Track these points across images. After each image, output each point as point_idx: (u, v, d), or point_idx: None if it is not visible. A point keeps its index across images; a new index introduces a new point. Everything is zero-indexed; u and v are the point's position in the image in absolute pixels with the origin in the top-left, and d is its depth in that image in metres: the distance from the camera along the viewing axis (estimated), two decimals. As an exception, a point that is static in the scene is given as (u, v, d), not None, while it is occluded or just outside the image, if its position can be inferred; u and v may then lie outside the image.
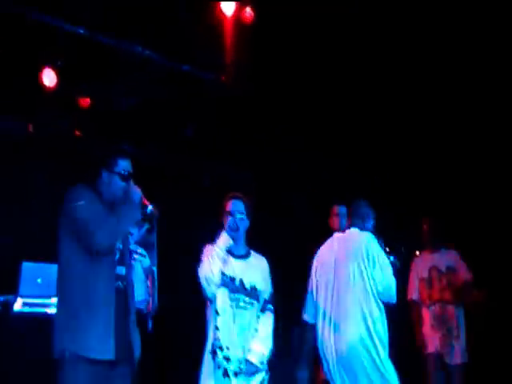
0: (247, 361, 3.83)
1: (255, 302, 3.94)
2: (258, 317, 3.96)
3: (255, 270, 4.00)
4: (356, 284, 4.24)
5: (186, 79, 5.82)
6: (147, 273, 5.87)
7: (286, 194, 6.89)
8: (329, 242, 4.54)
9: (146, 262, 5.89)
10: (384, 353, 4.16)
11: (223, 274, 3.83)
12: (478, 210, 7.01)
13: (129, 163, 3.52)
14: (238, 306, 3.87)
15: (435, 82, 6.11)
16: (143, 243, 5.92)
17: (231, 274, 3.88)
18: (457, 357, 5.62)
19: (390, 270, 4.23)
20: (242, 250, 4.02)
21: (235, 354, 3.81)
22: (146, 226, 5.82)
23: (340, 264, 4.36)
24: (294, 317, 4.95)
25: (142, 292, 5.70)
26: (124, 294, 3.44)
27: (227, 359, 3.80)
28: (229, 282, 3.87)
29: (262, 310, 3.98)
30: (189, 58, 5.62)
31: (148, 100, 5.77)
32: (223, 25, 5.27)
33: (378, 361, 4.13)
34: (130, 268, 3.58)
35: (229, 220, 3.95)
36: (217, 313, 3.83)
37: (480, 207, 6.99)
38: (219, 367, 3.80)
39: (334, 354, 4.24)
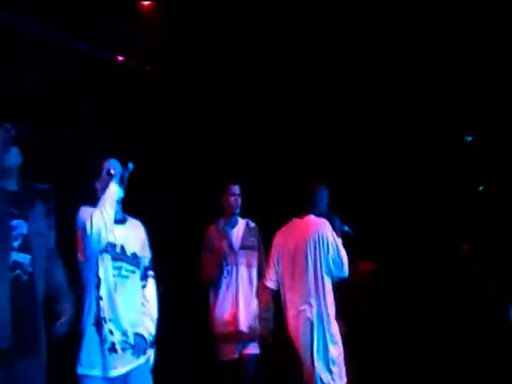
0: (137, 335, 3.64)
1: (136, 269, 3.74)
2: (144, 286, 3.79)
3: (134, 236, 3.81)
4: (312, 266, 4.67)
5: (85, 58, 5.75)
6: None
7: (184, 172, 6.93)
8: (288, 227, 4.93)
9: None
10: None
11: None
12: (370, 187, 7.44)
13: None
14: (120, 275, 3.64)
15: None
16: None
17: (111, 240, 3.65)
18: None
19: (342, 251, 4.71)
20: (118, 215, 3.75)
21: (121, 327, 3.58)
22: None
23: (299, 249, 4.75)
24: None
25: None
26: (27, 284, 3.37)
27: (112, 332, 3.56)
28: (110, 248, 3.64)
29: (143, 278, 3.79)
30: (88, 36, 5.56)
31: (46, 79, 5.65)
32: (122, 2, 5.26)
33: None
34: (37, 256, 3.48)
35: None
36: (99, 281, 3.59)
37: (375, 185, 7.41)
38: (105, 341, 3.55)
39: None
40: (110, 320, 3.56)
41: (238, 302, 4.80)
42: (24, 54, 5.40)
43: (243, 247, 4.91)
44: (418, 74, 6.55)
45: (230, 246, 4.88)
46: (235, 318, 4.77)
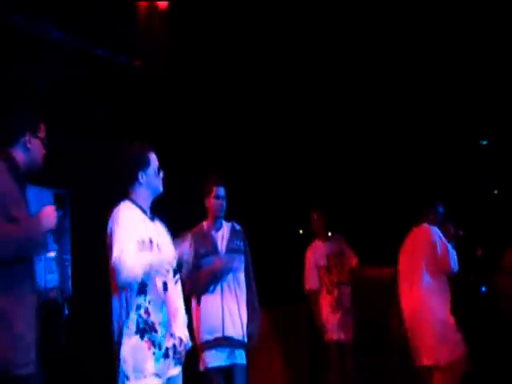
0: (180, 339, 3.46)
1: (170, 268, 3.55)
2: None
3: (164, 234, 3.63)
4: None
5: (100, 63, 5.76)
6: (57, 261, 5.81)
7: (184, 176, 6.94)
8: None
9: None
10: None
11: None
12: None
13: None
14: (161, 274, 3.41)
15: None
16: (56, 230, 5.83)
17: (151, 236, 3.47)
18: (350, 332, 6.12)
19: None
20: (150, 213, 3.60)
21: (170, 330, 3.42)
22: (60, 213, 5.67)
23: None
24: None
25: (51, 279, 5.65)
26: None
27: (166, 336, 3.37)
28: (150, 245, 3.43)
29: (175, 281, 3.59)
30: (103, 41, 5.58)
31: (61, 83, 5.67)
32: (138, 8, 5.27)
33: None
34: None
35: None
36: (144, 285, 3.35)
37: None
38: (160, 348, 3.34)
39: None
40: (161, 324, 3.38)
41: (224, 307, 4.52)
42: (40, 56, 5.42)
43: (229, 251, 4.65)
44: (433, 78, 6.52)
45: (217, 251, 4.59)
46: (222, 324, 4.50)
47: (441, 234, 5.39)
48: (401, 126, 7.37)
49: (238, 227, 4.76)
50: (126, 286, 3.32)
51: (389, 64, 6.31)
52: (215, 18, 5.57)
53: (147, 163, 3.53)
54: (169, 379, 3.43)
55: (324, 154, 7.66)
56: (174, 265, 3.61)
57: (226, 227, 4.72)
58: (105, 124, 6.34)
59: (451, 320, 5.23)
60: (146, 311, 3.34)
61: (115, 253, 3.25)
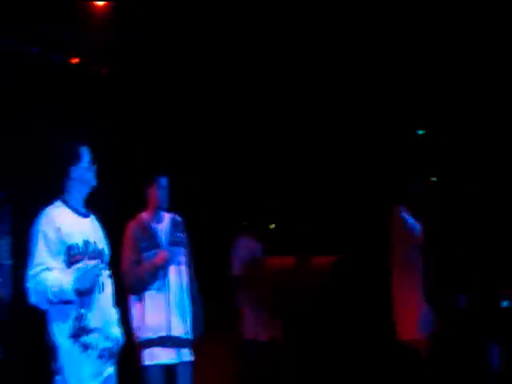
0: (117, 341, 3.50)
1: (103, 265, 3.51)
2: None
3: (98, 231, 3.60)
4: None
5: (34, 61, 5.65)
6: None
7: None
8: None
9: None
10: None
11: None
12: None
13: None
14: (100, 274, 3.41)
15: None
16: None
17: (86, 238, 3.45)
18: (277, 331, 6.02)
19: None
20: (82, 208, 3.57)
21: (107, 331, 3.43)
22: None
23: None
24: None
25: None
26: None
27: (103, 337, 3.38)
28: (85, 247, 3.43)
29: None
30: (37, 38, 5.47)
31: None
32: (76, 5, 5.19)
33: None
34: None
35: None
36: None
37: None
38: (94, 348, 3.35)
39: None
40: (95, 325, 3.37)
41: (170, 304, 4.33)
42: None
43: (171, 244, 4.45)
44: (370, 69, 6.63)
45: (159, 244, 4.42)
46: (168, 323, 4.32)
47: None
48: (339, 119, 7.47)
49: (178, 219, 4.58)
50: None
51: (325, 53, 6.36)
52: (159, 13, 5.52)
53: (78, 158, 3.50)
54: (104, 379, 3.44)
55: (268, 148, 7.69)
56: (107, 259, 3.61)
57: (166, 219, 4.53)
58: (42, 124, 6.22)
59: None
60: (81, 315, 3.34)
61: (31, 271, 3.26)
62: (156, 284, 4.33)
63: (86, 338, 3.33)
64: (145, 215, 4.50)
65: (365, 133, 7.70)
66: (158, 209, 4.48)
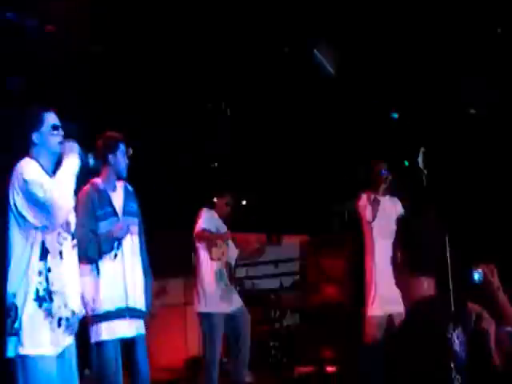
0: (73, 313, 3.48)
1: (68, 236, 3.54)
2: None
3: None
4: None
5: (8, 27, 5.54)
6: None
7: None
8: None
9: None
10: None
11: None
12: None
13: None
14: (59, 242, 3.44)
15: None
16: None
17: None
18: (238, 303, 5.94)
19: None
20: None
21: (65, 300, 3.42)
22: None
23: None
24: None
25: None
26: None
27: (59, 307, 3.37)
28: None
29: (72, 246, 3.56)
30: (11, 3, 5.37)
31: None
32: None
33: None
34: None
35: None
36: (45, 250, 3.35)
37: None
38: (53, 317, 3.35)
39: None
40: (58, 293, 3.36)
41: (126, 275, 4.19)
42: None
43: (126, 213, 4.30)
44: (345, 54, 6.64)
45: (116, 213, 4.28)
46: (125, 294, 4.18)
47: None
48: (314, 102, 7.48)
49: (130, 188, 4.44)
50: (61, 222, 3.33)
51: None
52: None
53: (40, 123, 3.44)
54: (63, 350, 3.43)
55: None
56: (72, 228, 3.58)
57: (119, 188, 4.37)
58: (17, 93, 6.12)
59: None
60: (46, 279, 3.32)
61: (47, 192, 3.24)
62: (114, 255, 4.19)
63: (48, 304, 3.32)
64: (100, 182, 4.32)
65: (339, 114, 7.72)
66: (116, 177, 4.34)
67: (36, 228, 3.33)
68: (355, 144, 8.02)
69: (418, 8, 6.01)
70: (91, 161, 3.57)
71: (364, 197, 5.83)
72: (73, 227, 3.60)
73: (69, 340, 3.47)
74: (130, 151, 4.34)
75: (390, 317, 5.44)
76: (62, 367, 3.41)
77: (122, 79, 6.55)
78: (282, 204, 8.40)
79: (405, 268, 2.60)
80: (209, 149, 7.74)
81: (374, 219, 5.69)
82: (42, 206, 3.27)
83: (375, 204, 5.68)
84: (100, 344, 4.14)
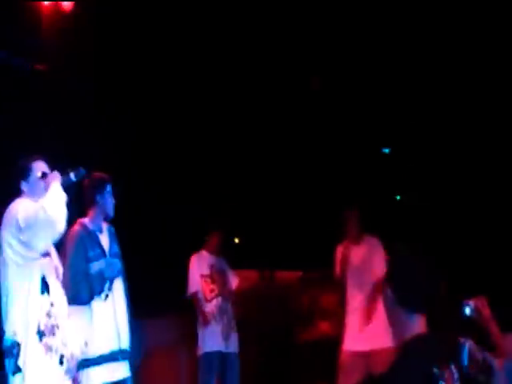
0: (72, 355, 3.46)
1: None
2: None
3: None
4: None
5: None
6: None
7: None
8: None
9: None
10: None
11: None
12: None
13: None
14: (58, 277, 3.52)
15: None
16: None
17: None
18: (234, 345, 5.92)
19: None
20: None
21: (66, 337, 3.42)
22: None
23: None
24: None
25: None
26: None
27: (63, 342, 3.36)
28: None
29: None
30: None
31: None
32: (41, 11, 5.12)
33: None
34: None
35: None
36: (46, 285, 3.38)
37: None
38: (56, 352, 3.34)
39: None
40: (60, 329, 3.35)
41: (117, 317, 4.15)
42: None
43: (112, 255, 4.26)
44: (336, 84, 6.69)
45: (104, 253, 4.24)
46: (118, 336, 4.13)
47: None
48: (304, 134, 7.51)
49: (113, 230, 4.38)
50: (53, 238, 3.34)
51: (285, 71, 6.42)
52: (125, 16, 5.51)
53: (28, 172, 3.54)
54: None
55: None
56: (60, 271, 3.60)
57: (104, 229, 4.33)
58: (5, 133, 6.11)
59: None
60: (48, 313, 3.31)
61: (34, 212, 3.30)
62: (102, 295, 4.15)
63: (48, 339, 3.29)
64: (88, 222, 4.27)
65: (331, 150, 7.75)
66: (106, 217, 4.31)
67: (35, 259, 3.35)
68: (347, 181, 8.04)
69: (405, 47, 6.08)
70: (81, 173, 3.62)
71: (338, 250, 5.87)
72: (60, 271, 3.60)
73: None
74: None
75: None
76: None
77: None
78: (274, 241, 8.35)
79: (395, 306, 2.57)
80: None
81: (341, 276, 5.78)
82: (41, 225, 3.27)
83: (343, 261, 5.76)
84: None
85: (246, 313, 7.01)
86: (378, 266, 5.47)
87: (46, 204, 3.31)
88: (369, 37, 5.92)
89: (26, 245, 3.29)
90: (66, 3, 5.20)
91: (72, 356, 3.44)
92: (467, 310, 2.77)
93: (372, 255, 5.75)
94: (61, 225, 3.33)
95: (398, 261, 2.68)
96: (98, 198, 4.23)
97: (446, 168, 7.51)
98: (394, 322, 2.62)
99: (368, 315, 5.48)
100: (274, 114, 7.18)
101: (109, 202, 4.26)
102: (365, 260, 5.72)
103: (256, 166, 7.89)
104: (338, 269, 5.79)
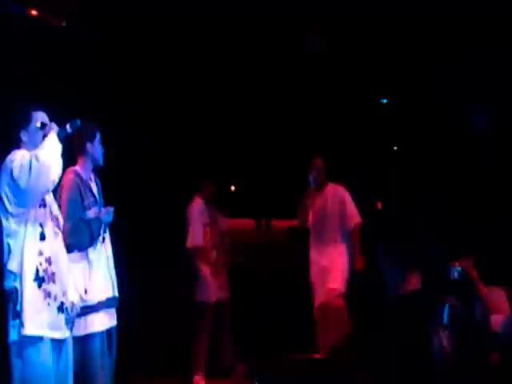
0: (73, 304, 3.49)
1: (60, 232, 3.55)
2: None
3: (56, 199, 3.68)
4: None
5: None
6: None
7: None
8: None
9: None
10: None
11: None
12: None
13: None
14: (55, 233, 3.47)
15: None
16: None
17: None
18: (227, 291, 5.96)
19: None
20: None
21: (64, 287, 3.43)
22: None
23: None
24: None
25: None
26: None
27: (59, 291, 3.37)
28: (44, 206, 3.47)
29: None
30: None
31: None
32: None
33: None
34: None
35: None
36: (43, 233, 3.38)
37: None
38: (55, 299, 3.35)
39: None
40: (58, 277, 3.37)
41: (109, 265, 4.19)
42: None
43: (104, 205, 4.29)
44: (334, 37, 6.61)
45: (97, 201, 4.26)
46: (112, 282, 4.18)
47: None
48: (304, 86, 7.46)
49: (98, 181, 4.40)
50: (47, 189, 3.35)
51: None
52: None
53: (28, 121, 3.49)
54: (60, 346, 3.42)
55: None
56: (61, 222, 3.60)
57: (93, 178, 4.33)
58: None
59: None
60: (46, 260, 3.33)
61: (27, 161, 3.26)
62: (99, 239, 4.15)
63: (47, 286, 3.31)
64: (81, 171, 4.25)
65: (330, 100, 7.71)
66: (93, 165, 4.29)
67: (30, 209, 3.35)
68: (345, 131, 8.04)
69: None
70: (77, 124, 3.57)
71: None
72: (61, 220, 3.60)
73: (66, 332, 3.45)
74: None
75: None
76: (57, 364, 3.41)
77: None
78: (270, 190, 8.38)
79: (392, 262, 2.61)
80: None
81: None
82: (36, 173, 3.25)
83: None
84: (88, 337, 4.01)
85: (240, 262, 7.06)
86: (340, 214, 5.85)
87: (39, 153, 3.29)
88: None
89: (19, 194, 3.28)
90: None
91: (72, 305, 3.49)
92: (455, 274, 2.82)
93: (332, 203, 5.92)
94: (54, 174, 3.32)
95: (396, 218, 2.70)
96: (89, 146, 4.21)
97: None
98: (389, 279, 2.67)
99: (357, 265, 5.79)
100: (272, 60, 7.10)
101: (98, 150, 4.24)
102: (324, 208, 5.92)
103: (253, 115, 7.85)
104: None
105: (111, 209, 4.22)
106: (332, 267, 5.79)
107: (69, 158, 4.06)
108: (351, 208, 5.90)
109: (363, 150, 8.15)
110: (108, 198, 4.43)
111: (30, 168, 3.24)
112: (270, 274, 7.59)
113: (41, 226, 3.37)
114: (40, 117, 3.52)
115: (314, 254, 5.96)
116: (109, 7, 5.84)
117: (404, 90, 7.52)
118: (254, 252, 8.61)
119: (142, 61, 6.61)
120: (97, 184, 4.34)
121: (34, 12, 5.73)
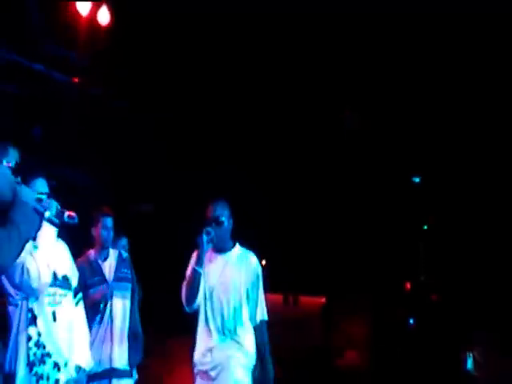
0: (78, 367, 3.52)
1: (68, 291, 3.60)
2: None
3: (63, 257, 3.67)
4: None
5: (38, 78, 5.71)
6: None
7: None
8: None
9: None
10: None
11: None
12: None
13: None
14: (54, 302, 3.51)
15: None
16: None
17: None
18: None
19: None
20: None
21: (63, 358, 3.46)
22: None
23: None
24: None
25: None
26: None
27: (56, 368, 3.42)
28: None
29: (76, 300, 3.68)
30: (41, 56, 5.53)
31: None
32: (78, 25, 5.27)
33: None
34: None
35: None
36: (33, 317, 3.40)
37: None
38: (48, 379, 3.38)
39: None
40: (53, 355, 3.42)
41: (113, 337, 4.40)
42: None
43: (117, 279, 4.57)
44: (371, 116, 6.71)
45: (103, 278, 4.56)
46: (110, 355, 4.36)
47: None
48: (339, 167, 7.52)
49: (125, 255, 4.71)
50: None
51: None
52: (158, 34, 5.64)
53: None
54: None
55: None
56: (74, 283, 3.67)
57: (112, 255, 4.65)
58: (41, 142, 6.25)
59: None
60: (36, 343, 3.37)
61: None
62: (99, 317, 4.37)
63: (38, 368, 3.36)
64: (92, 252, 4.60)
65: (362, 178, 7.74)
66: (104, 248, 4.59)
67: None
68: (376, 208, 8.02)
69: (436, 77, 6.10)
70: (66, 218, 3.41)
71: None
72: (74, 282, 3.66)
73: None
74: (108, 223, 4.53)
75: None
76: None
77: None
78: (299, 265, 8.33)
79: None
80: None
81: None
82: None
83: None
84: None
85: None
86: None
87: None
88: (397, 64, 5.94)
89: None
90: (103, 18, 5.31)
91: (78, 369, 3.52)
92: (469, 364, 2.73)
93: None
94: None
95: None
96: (92, 231, 4.55)
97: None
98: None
99: None
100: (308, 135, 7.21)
101: (102, 234, 4.51)
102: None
103: (287, 188, 7.89)
104: None
105: (106, 290, 4.42)
106: None
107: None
108: None
109: (393, 228, 8.11)
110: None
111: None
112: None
113: (31, 311, 3.39)
114: (39, 186, 3.43)
115: None
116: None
117: (436, 168, 7.54)
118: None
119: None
120: (119, 261, 4.57)
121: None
